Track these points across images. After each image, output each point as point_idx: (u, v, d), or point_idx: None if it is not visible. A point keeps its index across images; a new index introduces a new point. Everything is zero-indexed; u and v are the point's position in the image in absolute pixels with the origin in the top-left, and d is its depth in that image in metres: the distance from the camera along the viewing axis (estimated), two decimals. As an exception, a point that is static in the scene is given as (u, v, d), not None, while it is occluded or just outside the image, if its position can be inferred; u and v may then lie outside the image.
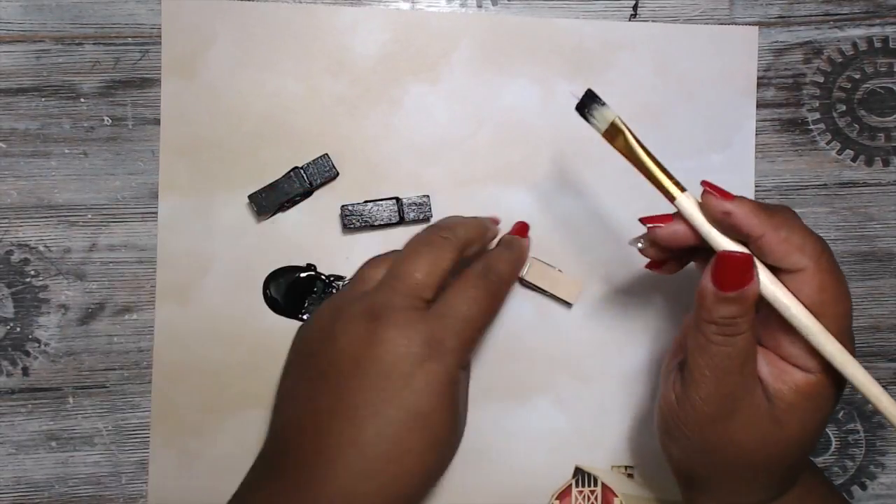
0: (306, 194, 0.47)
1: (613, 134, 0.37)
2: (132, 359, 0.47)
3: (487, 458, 0.47)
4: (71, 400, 0.46)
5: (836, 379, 0.35)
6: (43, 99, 0.46)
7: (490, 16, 0.48)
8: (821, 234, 0.34)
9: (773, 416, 0.35)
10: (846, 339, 0.35)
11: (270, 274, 0.47)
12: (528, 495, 0.47)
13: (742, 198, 0.35)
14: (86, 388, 0.47)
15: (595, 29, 0.48)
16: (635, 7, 0.48)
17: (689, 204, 0.36)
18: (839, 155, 0.49)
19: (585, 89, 0.38)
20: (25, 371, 0.46)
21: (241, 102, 0.47)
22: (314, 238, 0.47)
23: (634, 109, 0.48)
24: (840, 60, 0.49)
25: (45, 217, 0.46)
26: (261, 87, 0.47)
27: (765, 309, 0.36)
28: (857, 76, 0.49)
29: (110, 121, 0.47)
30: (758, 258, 0.35)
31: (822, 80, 0.49)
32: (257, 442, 0.45)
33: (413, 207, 0.46)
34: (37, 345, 0.46)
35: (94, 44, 0.47)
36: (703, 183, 0.36)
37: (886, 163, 0.49)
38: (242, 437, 0.46)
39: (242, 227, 0.47)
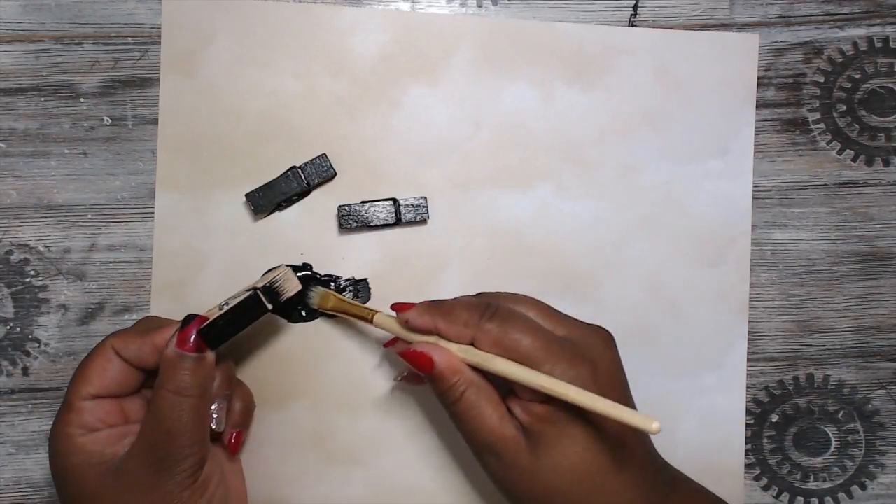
0: (303, 194, 0.47)
1: (325, 301, 0.45)
2: (131, 358, 0.47)
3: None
4: (70, 399, 0.47)
5: (564, 404, 0.38)
6: (42, 99, 0.47)
7: (490, 19, 0.48)
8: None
9: (530, 449, 0.39)
10: (570, 359, 0.38)
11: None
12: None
13: (417, 305, 0.41)
14: (85, 388, 0.47)
15: (595, 33, 0.48)
16: (636, 7, 0.48)
17: (383, 319, 0.42)
18: (839, 155, 0.49)
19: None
20: (25, 371, 0.47)
21: (240, 101, 0.47)
22: (310, 238, 0.47)
23: (633, 114, 0.48)
24: (840, 60, 0.49)
25: (45, 217, 0.47)
26: (260, 86, 0.47)
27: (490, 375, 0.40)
28: (858, 76, 0.49)
29: (110, 120, 0.47)
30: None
31: (822, 79, 0.49)
32: (251, 437, 0.46)
33: (410, 209, 0.46)
34: (37, 345, 0.47)
35: (93, 43, 0.47)
36: (392, 306, 0.42)
37: (886, 163, 0.49)
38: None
39: (239, 225, 0.47)
